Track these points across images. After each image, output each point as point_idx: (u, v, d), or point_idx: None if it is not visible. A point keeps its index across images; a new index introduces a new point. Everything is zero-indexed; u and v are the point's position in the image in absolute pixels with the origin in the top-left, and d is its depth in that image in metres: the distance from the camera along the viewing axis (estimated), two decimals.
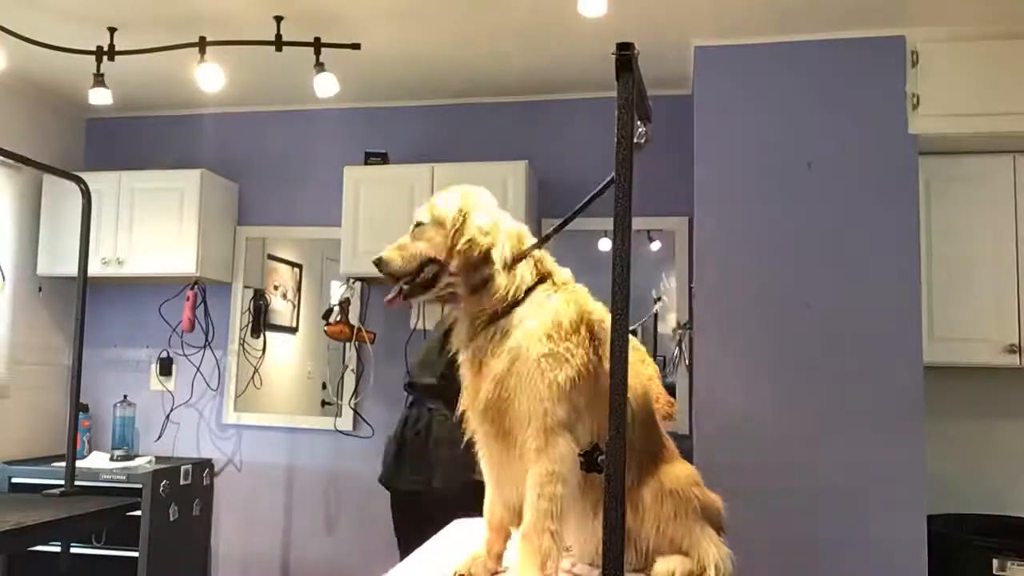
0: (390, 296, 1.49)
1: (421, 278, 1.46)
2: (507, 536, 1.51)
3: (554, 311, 1.39)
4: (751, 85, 3.35)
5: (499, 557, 1.50)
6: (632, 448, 1.42)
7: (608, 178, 1.20)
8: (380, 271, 1.48)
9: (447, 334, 1.55)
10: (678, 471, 1.51)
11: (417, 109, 4.29)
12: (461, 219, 1.44)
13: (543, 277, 1.45)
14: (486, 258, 1.42)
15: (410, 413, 3.07)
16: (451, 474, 2.85)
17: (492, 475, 1.48)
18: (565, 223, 1.53)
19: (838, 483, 3.11)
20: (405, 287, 1.47)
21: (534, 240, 1.50)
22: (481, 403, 1.39)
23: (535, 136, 4.13)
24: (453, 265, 1.43)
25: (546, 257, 1.49)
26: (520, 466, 1.37)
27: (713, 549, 1.45)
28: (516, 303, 1.41)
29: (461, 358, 1.47)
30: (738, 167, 3.33)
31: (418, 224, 1.48)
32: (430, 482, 2.92)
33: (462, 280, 1.43)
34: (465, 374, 1.45)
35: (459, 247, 1.42)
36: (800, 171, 3.28)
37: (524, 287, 1.42)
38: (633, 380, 1.44)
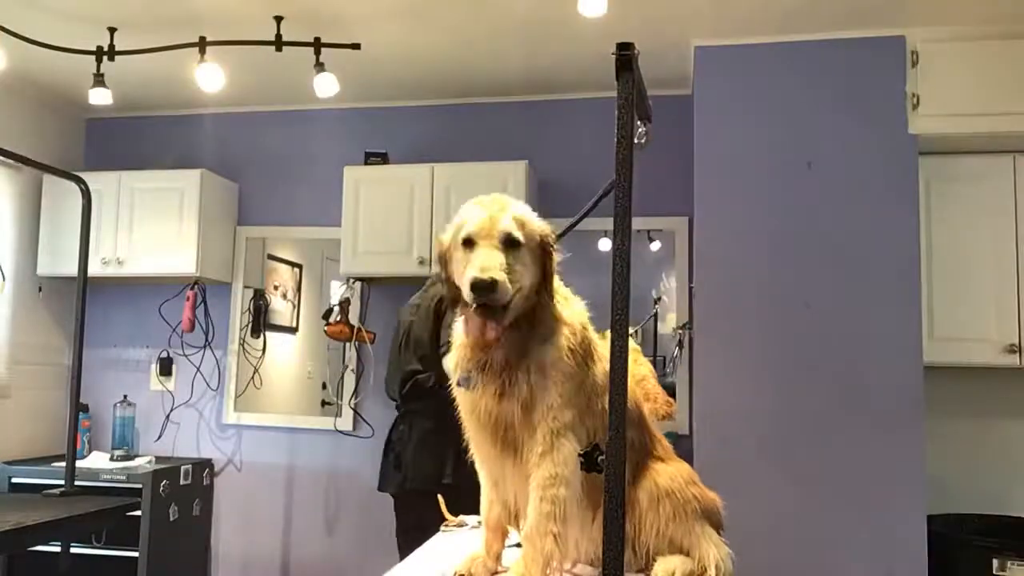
0: (494, 332, 1.32)
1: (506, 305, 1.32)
2: (505, 535, 1.51)
3: (569, 327, 1.40)
4: (751, 85, 3.35)
5: (498, 557, 1.50)
6: (629, 448, 1.42)
7: (609, 182, 1.20)
8: (491, 299, 1.27)
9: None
10: (674, 470, 1.51)
11: (417, 109, 4.29)
12: (552, 243, 1.39)
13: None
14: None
15: (397, 418, 3.20)
16: (426, 475, 2.94)
17: (490, 475, 1.48)
18: (569, 229, 1.52)
19: (838, 483, 3.11)
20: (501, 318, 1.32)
21: None
22: (502, 425, 1.37)
23: (535, 136, 4.12)
24: (547, 292, 1.37)
25: None
26: (520, 467, 1.37)
27: (713, 549, 1.45)
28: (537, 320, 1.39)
29: (477, 382, 1.38)
30: (738, 167, 3.33)
31: (516, 243, 1.32)
32: (403, 483, 2.99)
33: (524, 308, 1.36)
34: (481, 396, 1.38)
35: (552, 272, 1.38)
36: (800, 171, 3.28)
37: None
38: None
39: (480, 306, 1.28)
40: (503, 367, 1.36)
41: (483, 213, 1.35)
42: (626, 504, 1.42)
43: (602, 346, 1.42)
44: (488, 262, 1.28)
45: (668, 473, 1.49)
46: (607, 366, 1.41)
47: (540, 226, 1.39)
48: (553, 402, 1.34)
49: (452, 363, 1.44)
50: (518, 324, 1.37)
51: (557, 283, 1.46)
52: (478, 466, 1.51)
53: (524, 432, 1.36)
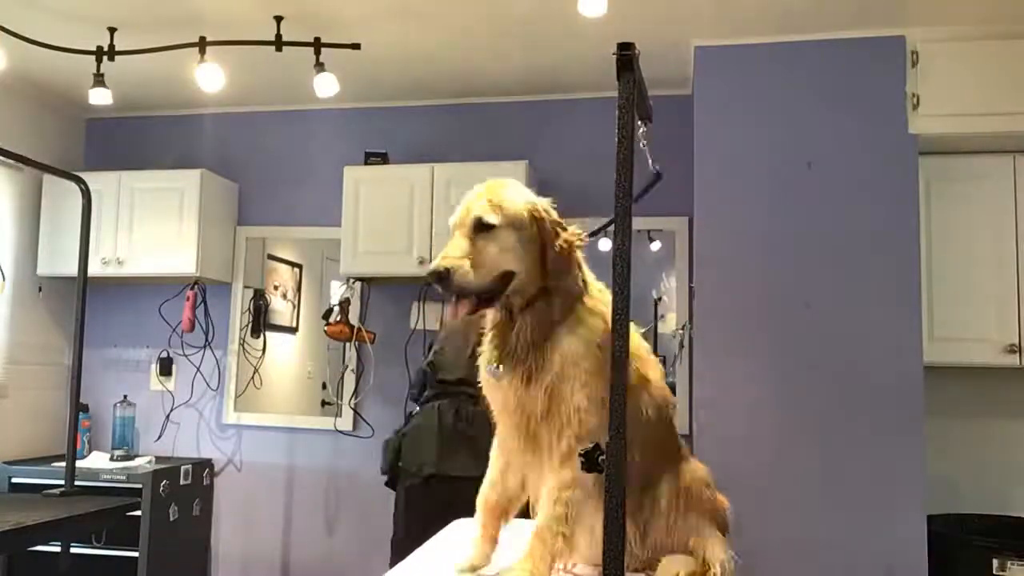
0: (463, 310, 1.29)
1: (492, 289, 1.31)
2: (499, 517, 1.49)
3: (603, 318, 1.33)
4: (751, 85, 3.35)
5: (494, 540, 1.49)
6: (650, 446, 1.42)
7: (653, 179, 1.17)
8: (444, 286, 1.26)
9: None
10: (694, 468, 1.52)
11: (417, 109, 4.29)
12: (547, 216, 1.33)
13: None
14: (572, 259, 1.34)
15: (442, 404, 3.08)
16: None
17: (500, 462, 1.47)
18: (605, 226, 1.47)
19: (838, 483, 3.11)
20: (475, 300, 1.29)
21: None
22: (527, 416, 1.35)
23: (535, 136, 4.12)
24: (546, 271, 1.31)
25: (581, 260, 1.42)
26: (535, 461, 1.37)
27: (718, 549, 1.45)
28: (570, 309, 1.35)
29: (505, 371, 1.35)
30: (738, 167, 3.33)
31: (487, 226, 1.30)
32: None
33: (532, 289, 1.33)
34: (509, 385, 1.35)
35: (558, 249, 1.31)
36: (800, 171, 3.28)
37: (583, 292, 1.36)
38: (658, 380, 1.45)
39: (457, 295, 1.28)
40: (528, 350, 1.33)
41: (465, 200, 1.34)
42: (644, 500, 1.43)
43: (638, 344, 1.41)
44: (447, 251, 1.29)
45: (688, 470, 1.50)
46: (641, 365, 1.41)
47: (526, 203, 1.34)
48: (580, 404, 1.31)
49: (483, 357, 1.41)
50: (534, 306, 1.34)
51: (589, 276, 1.42)
52: (495, 451, 1.49)
53: (547, 429, 1.34)
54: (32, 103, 4.27)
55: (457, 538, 1.85)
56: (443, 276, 1.26)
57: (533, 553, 1.33)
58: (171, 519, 3.89)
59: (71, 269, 3.58)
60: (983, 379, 3.53)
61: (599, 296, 1.40)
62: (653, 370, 1.47)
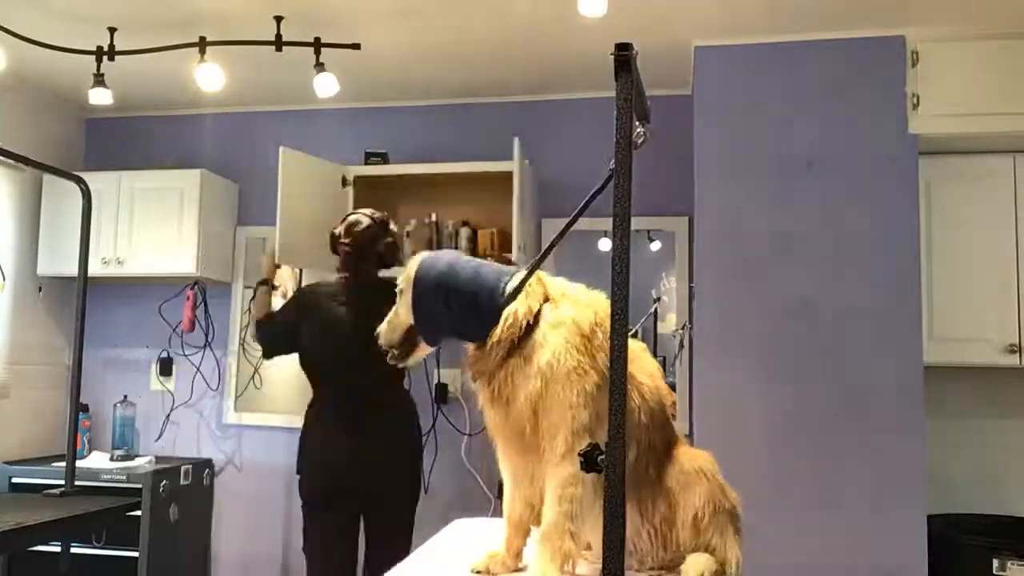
0: None
1: None
2: (526, 533, 1.50)
3: (571, 322, 1.41)
4: (751, 85, 3.35)
5: (518, 554, 1.50)
6: (651, 447, 1.43)
7: (606, 179, 1.20)
8: None
9: None
10: (696, 453, 1.53)
11: (417, 109, 4.29)
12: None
13: (546, 297, 1.47)
14: None
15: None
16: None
17: (512, 472, 1.49)
18: (563, 232, 1.52)
19: (838, 483, 3.11)
20: None
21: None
22: (515, 426, 1.41)
23: (535, 136, 4.12)
24: None
25: (541, 276, 1.50)
26: (541, 465, 1.38)
27: (736, 549, 1.45)
28: (530, 327, 1.42)
29: (480, 390, 1.47)
30: (738, 167, 3.33)
31: None
32: None
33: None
34: (488, 402, 1.46)
35: None
36: (800, 171, 3.28)
37: (532, 312, 1.44)
38: (649, 380, 1.46)
39: None
40: (491, 371, 1.43)
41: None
42: (655, 496, 1.44)
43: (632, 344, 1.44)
44: None
45: (691, 454, 1.53)
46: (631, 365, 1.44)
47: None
48: (572, 403, 1.34)
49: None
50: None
51: (560, 284, 1.49)
52: (501, 465, 1.52)
53: (544, 430, 1.37)
54: (32, 103, 4.27)
55: (456, 538, 1.85)
56: None
57: (543, 555, 1.34)
58: (171, 519, 3.89)
59: (71, 269, 3.59)
60: (983, 379, 3.53)
61: (565, 301, 1.46)
62: (636, 363, 1.49)
